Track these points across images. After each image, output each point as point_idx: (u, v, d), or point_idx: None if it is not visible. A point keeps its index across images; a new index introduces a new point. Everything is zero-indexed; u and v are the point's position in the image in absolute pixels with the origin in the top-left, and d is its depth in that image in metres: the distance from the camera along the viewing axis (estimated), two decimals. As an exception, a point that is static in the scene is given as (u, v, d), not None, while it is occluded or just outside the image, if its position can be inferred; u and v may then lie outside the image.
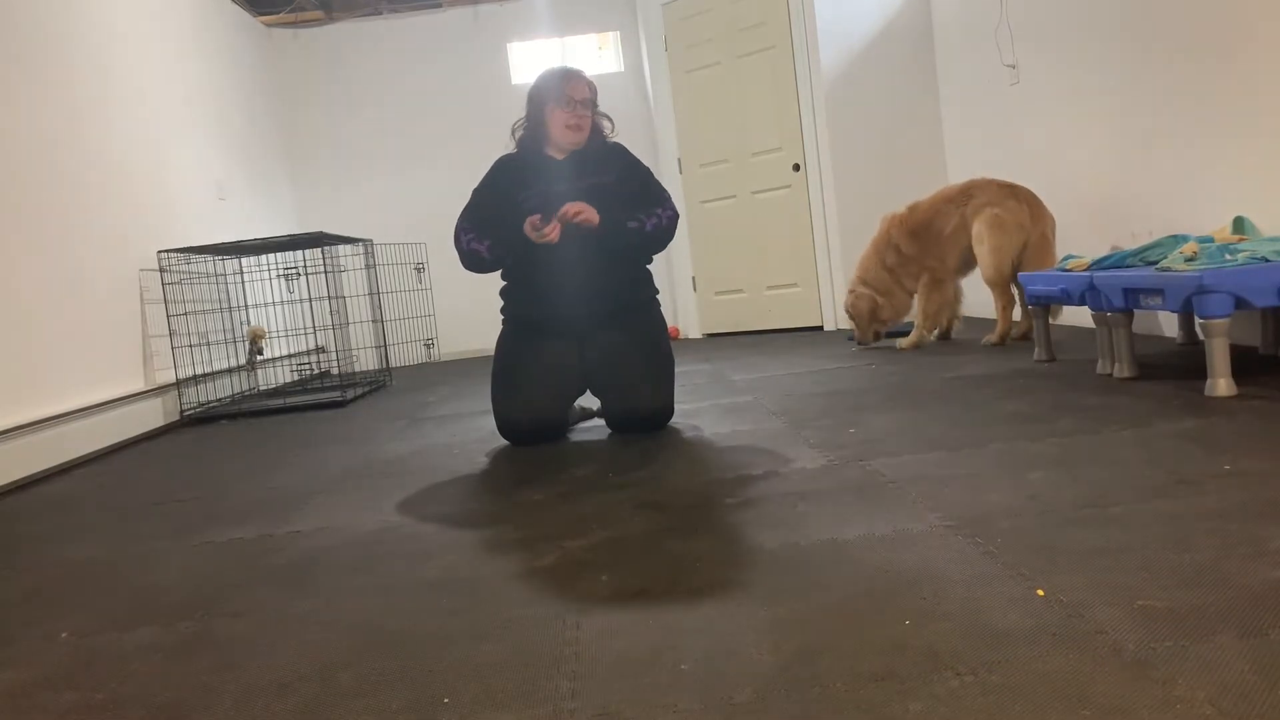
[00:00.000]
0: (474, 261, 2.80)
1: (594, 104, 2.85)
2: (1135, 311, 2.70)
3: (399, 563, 1.71)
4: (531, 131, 2.86)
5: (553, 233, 2.62)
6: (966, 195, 3.99)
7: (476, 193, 2.87)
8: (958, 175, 5.27)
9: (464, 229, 2.79)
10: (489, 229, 2.76)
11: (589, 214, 2.63)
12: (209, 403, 4.42)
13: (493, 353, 2.95)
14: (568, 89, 2.78)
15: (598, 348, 2.79)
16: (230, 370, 4.71)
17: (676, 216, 2.82)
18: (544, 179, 2.80)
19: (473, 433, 3.12)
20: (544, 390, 2.79)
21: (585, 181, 2.79)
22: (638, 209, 2.77)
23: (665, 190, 2.90)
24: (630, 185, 2.83)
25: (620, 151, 2.90)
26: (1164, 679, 0.97)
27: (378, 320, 5.15)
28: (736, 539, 1.62)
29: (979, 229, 3.87)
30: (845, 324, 5.43)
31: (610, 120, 2.93)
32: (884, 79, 5.37)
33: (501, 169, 2.88)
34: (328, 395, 4.59)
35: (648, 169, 2.92)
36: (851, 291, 4.32)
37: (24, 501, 2.80)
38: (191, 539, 2.07)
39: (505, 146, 2.95)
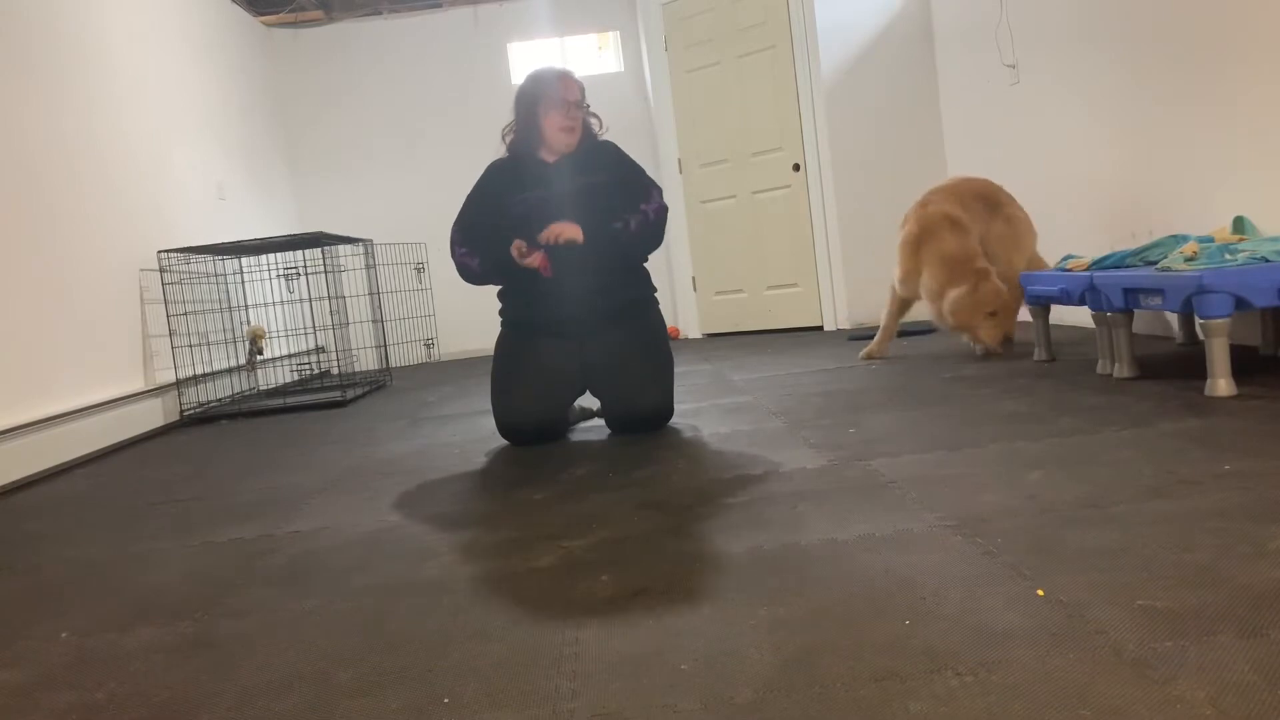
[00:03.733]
0: (467, 274, 2.82)
1: (584, 104, 2.83)
2: (1135, 311, 2.70)
3: (399, 563, 1.71)
4: (523, 135, 2.83)
5: (535, 260, 2.64)
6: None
7: (469, 201, 2.86)
8: (958, 175, 5.28)
9: (457, 241, 2.81)
10: (480, 244, 2.77)
11: (572, 232, 2.64)
12: (209, 403, 4.42)
13: (492, 353, 2.95)
14: (561, 92, 2.76)
15: (597, 348, 2.79)
16: (230, 370, 4.71)
17: (665, 209, 2.79)
18: (536, 182, 2.79)
19: (473, 433, 3.12)
20: (543, 391, 2.79)
21: (577, 182, 2.78)
22: (624, 208, 2.75)
23: (653, 183, 2.85)
24: (625, 186, 2.82)
25: (610, 149, 2.88)
26: (1164, 679, 0.97)
27: (378, 320, 5.15)
28: (737, 539, 1.62)
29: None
30: (845, 324, 5.45)
31: (599, 118, 2.91)
32: (884, 79, 5.37)
33: (494, 175, 2.87)
34: (328, 395, 4.59)
35: (636, 164, 2.90)
36: (989, 279, 3.39)
37: (24, 501, 2.80)
38: (191, 539, 2.07)
39: (503, 148, 2.94)
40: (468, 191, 2.88)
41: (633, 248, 2.79)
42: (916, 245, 3.58)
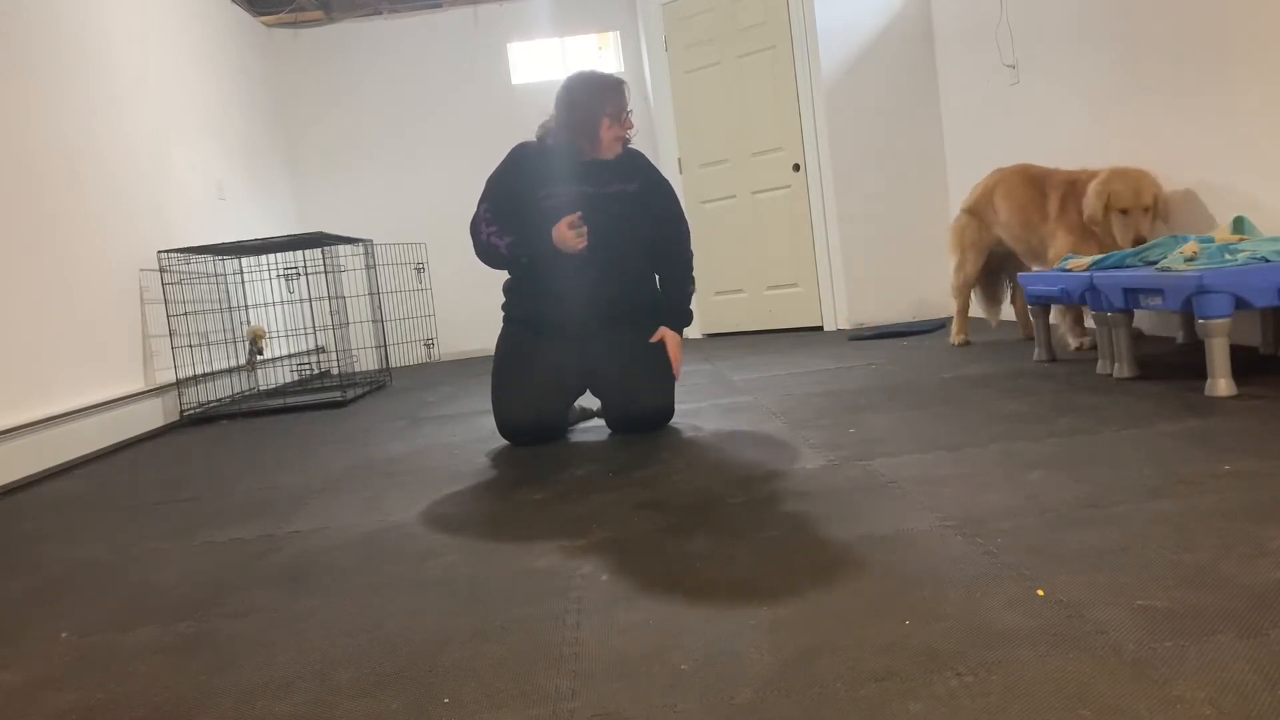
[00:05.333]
0: (491, 256, 2.80)
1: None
2: (1134, 311, 2.70)
3: (399, 563, 1.71)
4: (572, 134, 2.76)
5: (580, 244, 2.66)
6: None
7: (494, 182, 2.83)
8: (957, 175, 5.28)
9: (485, 219, 2.78)
10: (511, 225, 2.76)
11: (579, 243, 2.69)
12: (209, 403, 4.42)
13: (493, 352, 2.95)
14: (623, 102, 2.75)
15: (598, 348, 2.79)
16: (230, 370, 4.71)
17: (690, 254, 2.94)
18: (566, 179, 2.78)
19: (473, 433, 3.12)
20: (544, 390, 2.79)
21: (609, 188, 2.78)
22: (651, 235, 2.84)
23: (681, 215, 2.93)
24: (653, 204, 2.84)
25: (642, 160, 2.88)
26: (1164, 679, 0.97)
27: (378, 320, 5.15)
28: (736, 539, 1.62)
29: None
30: (845, 324, 5.45)
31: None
32: (884, 79, 5.37)
33: (521, 160, 2.84)
34: (328, 395, 4.59)
35: (670, 185, 2.93)
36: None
37: (24, 501, 2.80)
38: (191, 539, 2.07)
39: (506, 145, 2.92)
40: (470, 190, 2.87)
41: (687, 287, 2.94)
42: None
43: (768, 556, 1.51)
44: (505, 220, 2.76)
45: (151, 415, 4.04)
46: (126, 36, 4.33)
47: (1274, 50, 2.84)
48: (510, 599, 1.44)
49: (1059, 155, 4.17)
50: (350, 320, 5.08)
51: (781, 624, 1.22)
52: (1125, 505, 1.56)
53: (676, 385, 2.90)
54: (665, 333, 2.84)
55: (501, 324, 2.94)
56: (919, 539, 1.51)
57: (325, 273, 4.83)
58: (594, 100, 2.74)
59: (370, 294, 5.12)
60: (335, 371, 5.44)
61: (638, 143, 3.02)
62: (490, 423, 3.04)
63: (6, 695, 1.29)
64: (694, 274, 2.96)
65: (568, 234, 2.66)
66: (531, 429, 2.79)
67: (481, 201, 2.81)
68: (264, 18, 6.22)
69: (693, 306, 2.95)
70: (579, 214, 2.67)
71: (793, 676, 1.07)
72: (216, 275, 4.77)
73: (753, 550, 1.55)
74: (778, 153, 5.63)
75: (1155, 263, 2.71)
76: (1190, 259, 2.47)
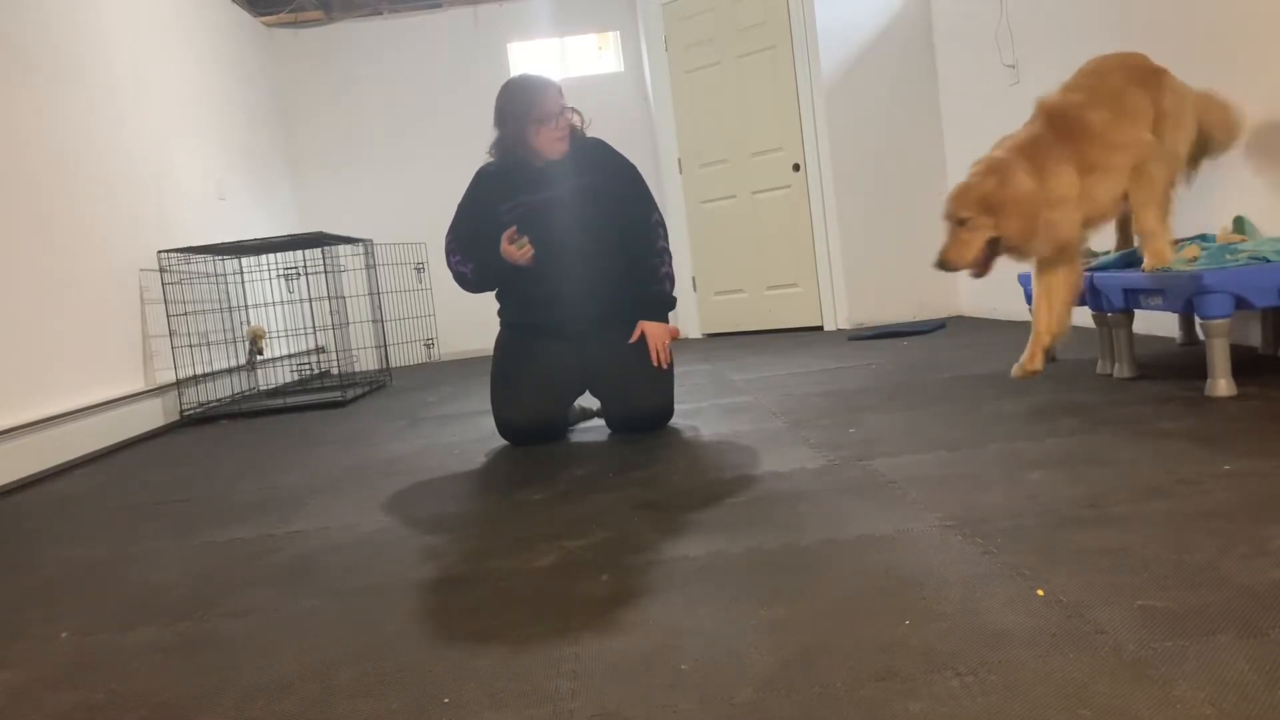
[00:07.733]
0: (463, 282, 2.83)
1: (567, 106, 2.76)
2: (1134, 311, 2.70)
3: (399, 563, 1.71)
4: (513, 148, 2.74)
5: (527, 253, 2.63)
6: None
7: (460, 209, 2.84)
8: (957, 175, 5.26)
9: (451, 249, 2.80)
10: (473, 251, 2.76)
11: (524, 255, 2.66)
12: (209, 403, 4.42)
13: (492, 353, 2.95)
14: (548, 105, 2.69)
15: (598, 348, 2.79)
16: (230, 370, 4.71)
17: (664, 231, 2.85)
18: (528, 188, 2.76)
19: (473, 433, 3.12)
20: (543, 391, 2.79)
21: (568, 185, 2.76)
22: (622, 223, 2.78)
23: (647, 195, 2.85)
24: (616, 190, 2.80)
25: (600, 151, 2.83)
26: (1164, 679, 0.97)
27: (378, 320, 5.15)
28: (736, 539, 1.62)
29: None
30: (845, 324, 5.45)
31: (580, 114, 2.82)
32: (884, 79, 5.37)
33: (483, 182, 2.83)
34: (328, 395, 4.59)
35: (627, 162, 2.86)
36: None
37: (24, 501, 2.80)
38: (191, 539, 2.07)
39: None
40: (465, 193, 2.87)
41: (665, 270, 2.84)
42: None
43: (768, 557, 1.51)
44: (467, 247, 2.77)
45: (151, 415, 4.04)
46: (126, 37, 4.33)
47: (1273, 49, 2.84)
48: (510, 599, 1.44)
49: (1059, 155, 4.17)
50: (350, 320, 5.08)
51: (781, 624, 1.22)
52: (1125, 505, 1.56)
53: (676, 384, 2.90)
54: (644, 327, 2.76)
55: (500, 327, 2.94)
56: (919, 539, 1.51)
57: (325, 273, 4.84)
58: (519, 109, 2.70)
59: (370, 294, 5.12)
60: (335, 371, 5.44)
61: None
62: (490, 423, 3.04)
63: (6, 695, 1.29)
64: (671, 256, 2.84)
65: (509, 249, 2.64)
66: (531, 430, 2.79)
67: (449, 232, 2.82)
68: (264, 18, 6.22)
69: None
70: (514, 228, 2.65)
71: (793, 676, 1.07)
72: (216, 275, 4.77)
73: (752, 550, 1.55)
74: (777, 153, 5.63)
75: (1155, 263, 2.70)
76: (1191, 261, 2.46)
